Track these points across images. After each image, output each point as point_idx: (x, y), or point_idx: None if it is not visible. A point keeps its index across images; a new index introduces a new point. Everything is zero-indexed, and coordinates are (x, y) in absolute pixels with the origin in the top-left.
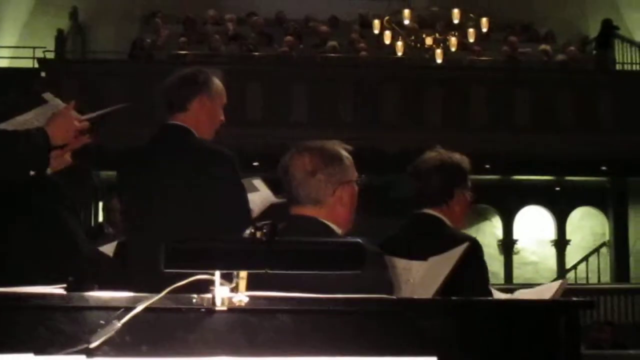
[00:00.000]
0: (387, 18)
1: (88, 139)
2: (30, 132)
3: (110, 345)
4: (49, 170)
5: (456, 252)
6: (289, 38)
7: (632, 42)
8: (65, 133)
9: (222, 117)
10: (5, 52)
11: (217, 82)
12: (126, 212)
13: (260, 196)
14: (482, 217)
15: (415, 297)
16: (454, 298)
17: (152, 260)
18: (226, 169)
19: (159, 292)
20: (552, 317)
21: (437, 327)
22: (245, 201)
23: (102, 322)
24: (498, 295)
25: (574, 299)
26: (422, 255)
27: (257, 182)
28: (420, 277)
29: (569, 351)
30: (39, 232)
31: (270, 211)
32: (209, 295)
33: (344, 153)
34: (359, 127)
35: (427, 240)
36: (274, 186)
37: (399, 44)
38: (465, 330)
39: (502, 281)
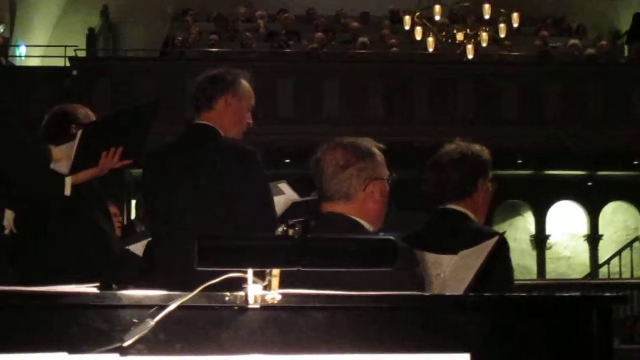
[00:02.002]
0: (418, 14)
1: (130, 161)
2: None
3: (144, 344)
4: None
5: (487, 246)
6: (319, 35)
7: None
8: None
9: (250, 120)
10: (37, 52)
11: (244, 83)
12: (152, 211)
13: (285, 199)
14: (515, 212)
15: (448, 293)
16: (487, 294)
17: (182, 259)
18: (252, 168)
19: (190, 290)
20: (585, 312)
21: (471, 324)
22: (272, 200)
23: (135, 320)
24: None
25: (608, 294)
26: (450, 250)
27: (283, 186)
28: (451, 272)
29: (602, 346)
30: (73, 233)
31: (298, 209)
32: (242, 294)
33: (376, 150)
34: (391, 123)
35: (453, 236)
36: (306, 185)
37: (430, 40)
38: (499, 326)
39: (535, 276)
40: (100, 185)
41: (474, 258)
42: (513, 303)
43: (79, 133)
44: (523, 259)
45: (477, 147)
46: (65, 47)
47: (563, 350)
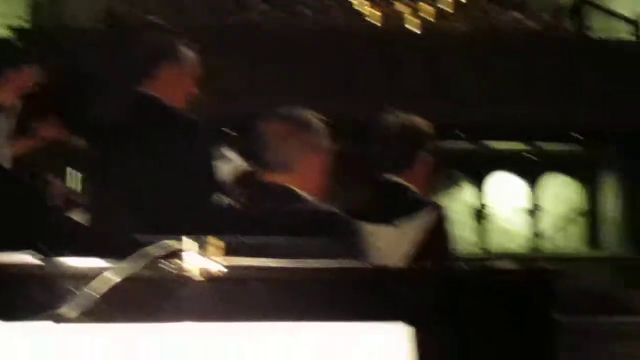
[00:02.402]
0: None
1: (61, 133)
2: None
3: (81, 312)
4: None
5: (425, 218)
6: (262, 6)
7: (607, 11)
8: None
9: (195, 88)
10: None
11: (187, 52)
12: (95, 181)
13: (230, 165)
14: (454, 183)
15: (387, 263)
16: (427, 265)
17: (122, 226)
18: (195, 137)
19: (129, 258)
20: (526, 285)
21: (409, 294)
22: (216, 168)
23: (72, 288)
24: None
25: (548, 267)
26: (390, 221)
27: (228, 152)
28: (390, 242)
29: (542, 318)
30: (10, 201)
31: (241, 179)
32: (180, 262)
33: (317, 121)
34: (332, 95)
35: (392, 207)
36: (247, 155)
37: (371, 10)
38: (438, 297)
39: (474, 248)
40: (42, 155)
41: (411, 230)
42: (452, 274)
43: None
44: (462, 231)
45: (417, 120)
46: (7, 17)
47: (503, 322)
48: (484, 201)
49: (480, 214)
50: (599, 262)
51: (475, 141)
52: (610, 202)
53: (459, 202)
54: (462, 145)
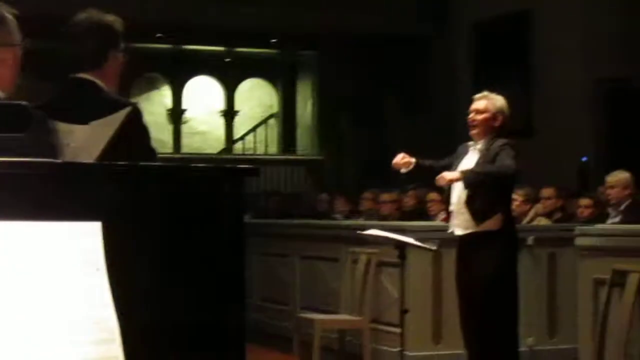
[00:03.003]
0: None
1: None
2: None
3: None
4: None
5: (118, 117)
6: None
7: None
8: None
9: None
10: None
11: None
12: None
13: None
14: (152, 86)
15: (79, 161)
16: (119, 163)
17: None
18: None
19: None
20: (216, 183)
21: (102, 192)
22: None
23: None
24: None
25: (242, 168)
26: (81, 120)
27: None
28: (83, 141)
29: (233, 218)
30: None
31: None
32: None
33: (8, 15)
34: None
35: (84, 105)
36: None
37: None
38: (130, 195)
39: (170, 150)
40: None
41: (105, 127)
42: (145, 172)
43: None
44: (159, 133)
45: (109, 17)
46: None
47: (194, 221)
48: (181, 104)
49: (177, 117)
50: (291, 164)
51: (174, 43)
52: (303, 106)
53: (157, 104)
54: (162, 47)
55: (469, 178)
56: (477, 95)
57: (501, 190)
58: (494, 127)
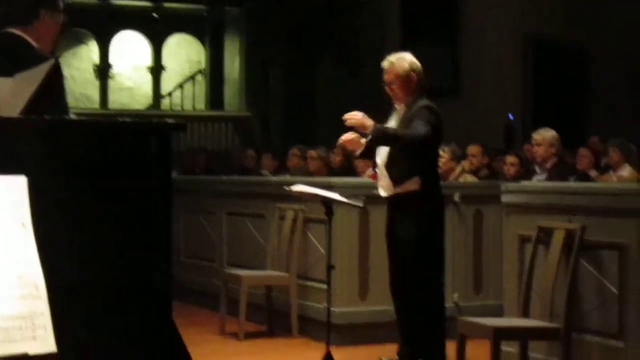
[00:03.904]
0: None
1: None
2: None
3: None
4: None
5: (41, 70)
6: None
7: None
8: None
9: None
10: None
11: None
12: None
13: None
14: (79, 41)
15: (1, 115)
16: (44, 117)
17: None
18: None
19: None
20: (144, 138)
21: (26, 146)
22: None
23: None
24: None
25: (169, 123)
26: (5, 73)
27: None
28: (6, 95)
29: (160, 173)
30: None
31: None
32: None
33: None
34: None
35: (8, 59)
36: None
37: None
38: (55, 149)
39: (97, 106)
40: None
41: (28, 81)
42: (71, 127)
43: None
44: (86, 89)
45: None
46: None
47: (121, 176)
48: (108, 59)
49: (104, 72)
50: (219, 121)
51: None
52: (231, 62)
53: (84, 59)
54: (89, 1)
55: (376, 131)
56: (383, 65)
57: (417, 154)
58: (412, 87)
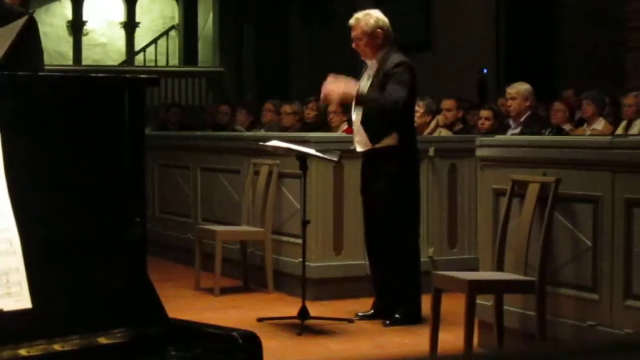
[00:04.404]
0: None
1: None
2: None
3: None
4: None
5: (15, 26)
6: None
7: None
8: None
9: None
10: None
11: None
12: None
13: None
14: None
15: None
16: (19, 73)
17: None
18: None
19: None
20: (117, 93)
21: (1, 101)
22: None
23: None
24: None
25: (142, 79)
26: None
27: None
28: None
29: (134, 129)
30: None
31: None
32: None
33: None
34: None
35: None
36: None
37: None
38: (30, 104)
39: (71, 62)
40: None
41: (3, 37)
42: (46, 82)
43: None
44: (59, 45)
45: None
46: None
47: (96, 131)
48: (82, 15)
49: (78, 28)
50: (192, 76)
51: None
52: (204, 18)
53: (57, 16)
54: None
55: (365, 98)
56: (350, 22)
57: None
58: (379, 44)
